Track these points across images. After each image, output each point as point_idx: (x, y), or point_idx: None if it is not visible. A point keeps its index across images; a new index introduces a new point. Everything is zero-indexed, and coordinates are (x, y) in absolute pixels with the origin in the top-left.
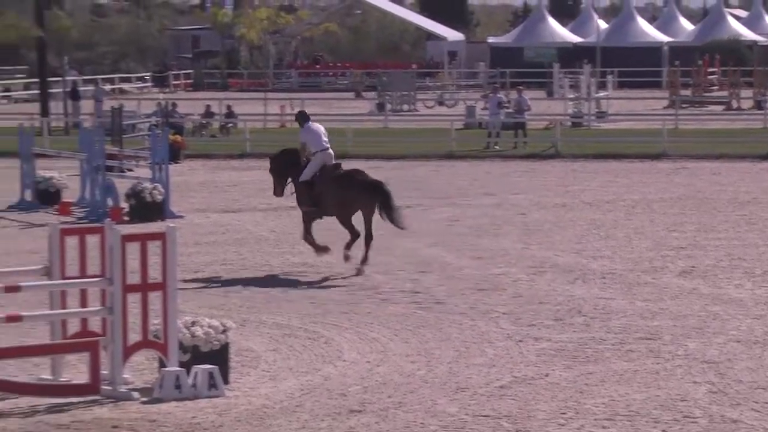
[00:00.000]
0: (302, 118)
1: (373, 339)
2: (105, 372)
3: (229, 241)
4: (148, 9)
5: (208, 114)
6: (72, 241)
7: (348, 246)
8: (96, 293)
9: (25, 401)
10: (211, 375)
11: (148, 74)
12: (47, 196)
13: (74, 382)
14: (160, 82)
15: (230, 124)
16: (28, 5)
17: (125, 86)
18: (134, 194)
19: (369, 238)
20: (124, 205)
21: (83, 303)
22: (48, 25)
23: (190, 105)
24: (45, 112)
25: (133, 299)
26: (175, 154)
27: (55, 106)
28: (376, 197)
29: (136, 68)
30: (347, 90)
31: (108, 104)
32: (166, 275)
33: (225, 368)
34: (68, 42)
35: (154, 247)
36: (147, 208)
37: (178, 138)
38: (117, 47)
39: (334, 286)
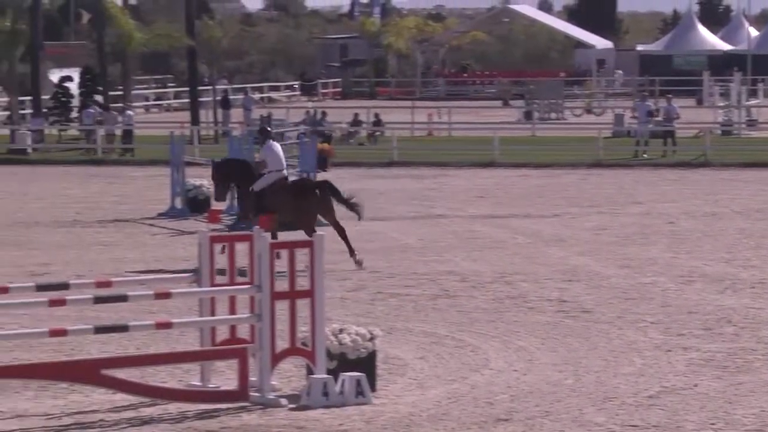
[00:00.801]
0: (264, 135)
1: (519, 348)
2: (253, 379)
3: (376, 249)
4: (297, 18)
5: (356, 122)
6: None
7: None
8: (245, 300)
9: (174, 407)
10: (358, 382)
11: (296, 83)
12: (197, 204)
13: (223, 388)
14: (309, 90)
15: (378, 132)
16: (179, 14)
17: (274, 95)
18: None
19: (341, 231)
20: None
21: (232, 310)
22: (198, 35)
23: (338, 113)
24: (195, 120)
25: (281, 306)
26: (322, 162)
27: (205, 115)
28: (328, 195)
29: (284, 77)
30: (495, 98)
31: (257, 113)
32: (314, 283)
33: (372, 376)
34: (218, 51)
35: (302, 255)
36: None
37: (326, 146)
38: (266, 56)
39: (481, 295)
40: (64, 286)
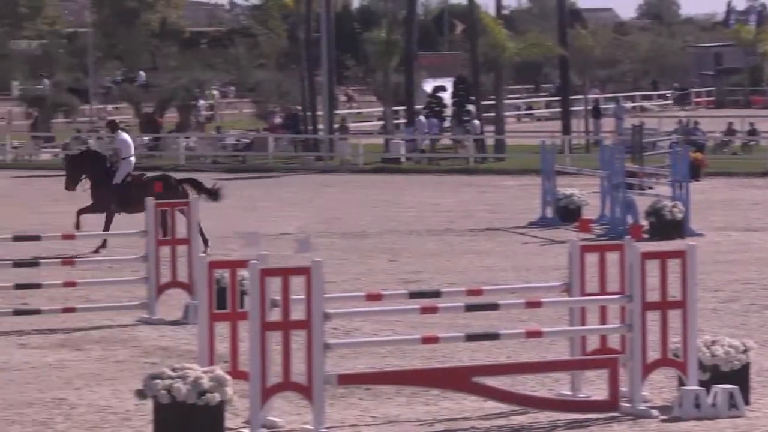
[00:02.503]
0: (114, 126)
1: None
2: (623, 389)
3: (750, 260)
4: (670, 26)
5: (730, 131)
6: (592, 258)
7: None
8: (615, 310)
9: (545, 416)
10: (731, 395)
11: (669, 92)
12: (567, 213)
13: (593, 398)
14: (681, 99)
15: (752, 142)
16: (552, 24)
17: (646, 104)
18: (654, 212)
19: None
20: (644, 223)
21: (603, 320)
22: (571, 44)
23: (712, 123)
24: (566, 129)
25: (652, 317)
26: (695, 172)
27: (577, 124)
28: (189, 190)
29: (657, 86)
30: None
31: (629, 122)
32: (686, 293)
33: (745, 389)
34: (590, 60)
35: (673, 265)
36: (667, 226)
37: (699, 155)
38: (639, 65)
39: None
40: (436, 294)
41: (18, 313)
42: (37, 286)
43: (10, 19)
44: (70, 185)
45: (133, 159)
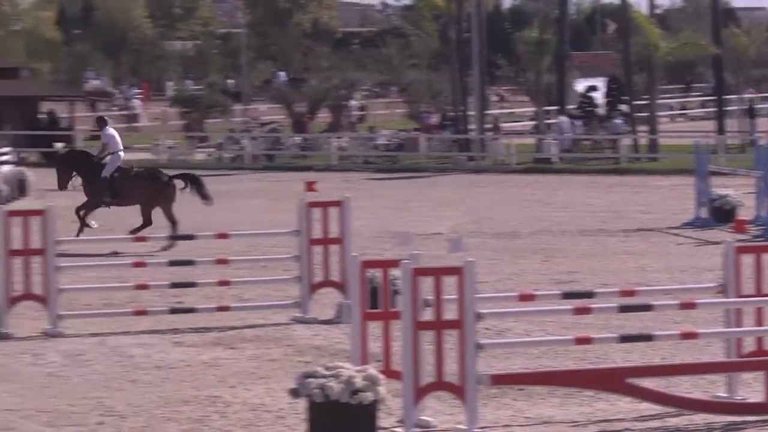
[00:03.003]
0: (102, 122)
1: None
2: None
3: None
4: None
5: None
6: (747, 260)
7: (136, 231)
8: None
9: (700, 418)
10: None
11: None
12: (722, 214)
13: (750, 400)
14: None
15: None
16: (705, 23)
17: None
18: None
19: (174, 223)
20: None
21: (759, 321)
22: (725, 43)
23: None
24: (721, 129)
25: None
26: None
27: (731, 124)
28: (182, 185)
29: None
30: None
31: None
32: None
33: None
34: (745, 60)
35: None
36: None
37: None
38: None
39: None
40: (589, 295)
41: (174, 311)
42: (192, 285)
43: (165, 20)
44: (62, 184)
45: (121, 153)
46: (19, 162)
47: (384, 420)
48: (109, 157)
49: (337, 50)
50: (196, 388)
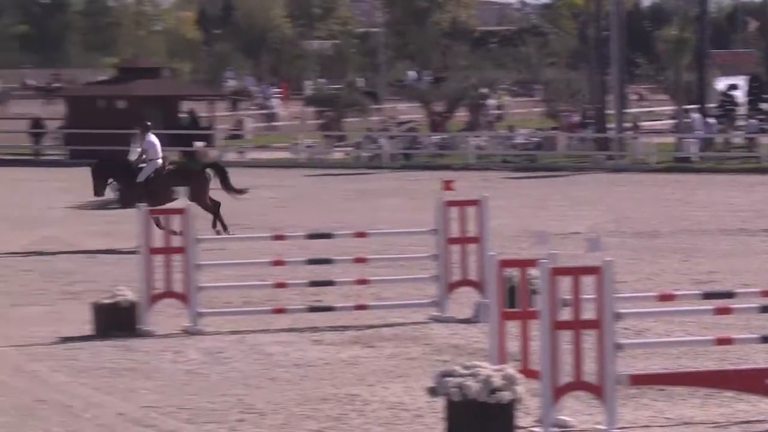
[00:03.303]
0: (146, 128)
1: None
2: None
3: None
4: None
5: None
6: None
7: (214, 224)
8: None
9: None
10: None
11: None
12: None
13: None
14: None
15: None
16: None
17: None
18: None
19: (217, 207)
20: None
21: None
22: None
23: None
24: None
25: None
26: None
27: None
28: (212, 176)
29: None
30: None
31: None
32: None
33: None
34: None
35: None
36: None
37: None
38: None
39: None
40: (730, 295)
41: (312, 309)
42: (331, 283)
43: (304, 19)
44: (98, 191)
45: (159, 161)
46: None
47: (522, 419)
48: (145, 163)
49: (476, 49)
50: (334, 386)
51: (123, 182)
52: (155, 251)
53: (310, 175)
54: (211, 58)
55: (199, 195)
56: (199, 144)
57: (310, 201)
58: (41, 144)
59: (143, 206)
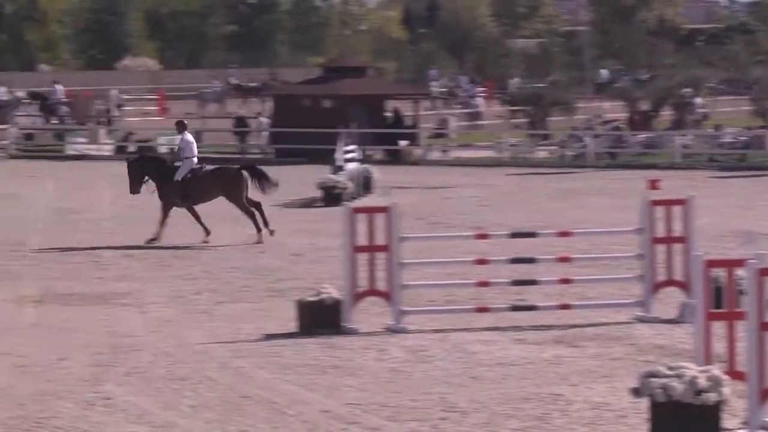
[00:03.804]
0: (182, 126)
1: None
2: None
3: None
4: None
5: None
6: None
7: (258, 228)
8: None
9: None
10: None
11: None
12: None
13: None
14: None
15: None
16: None
17: None
18: None
19: (258, 207)
20: None
21: None
22: None
23: None
24: None
25: None
26: None
27: None
28: (249, 177)
29: None
30: None
31: None
32: None
33: None
34: None
35: None
36: None
37: None
38: None
39: None
40: None
41: (515, 308)
42: (534, 282)
43: (509, 18)
44: (135, 189)
45: (195, 159)
46: (365, 160)
47: (728, 421)
48: (181, 161)
49: (682, 47)
50: (537, 385)
51: (159, 180)
52: (359, 249)
53: (513, 174)
54: (415, 58)
55: (235, 196)
56: (403, 143)
57: (514, 200)
58: (246, 143)
59: (347, 206)
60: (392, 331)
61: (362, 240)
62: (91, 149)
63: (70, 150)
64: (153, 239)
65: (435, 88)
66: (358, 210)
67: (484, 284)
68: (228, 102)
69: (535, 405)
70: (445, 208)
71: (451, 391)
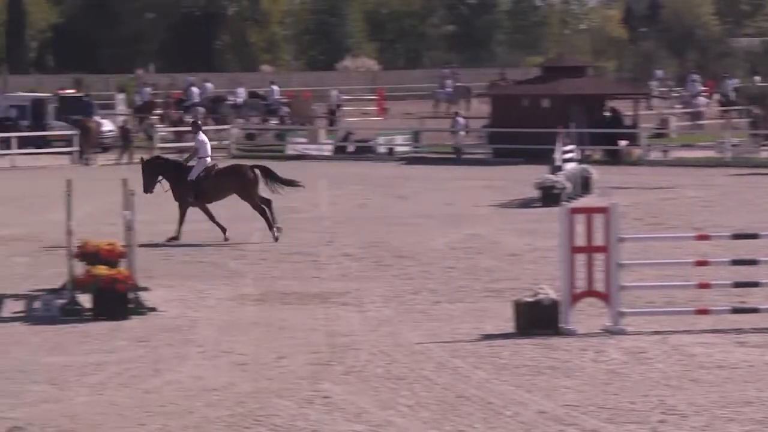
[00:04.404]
0: (196, 127)
1: None
2: None
3: None
4: None
5: None
6: None
7: (270, 227)
8: None
9: None
10: None
11: None
12: None
13: None
14: None
15: None
16: None
17: None
18: None
19: (268, 204)
20: None
21: None
22: None
23: None
24: None
25: None
26: None
27: None
28: (261, 176)
29: None
30: None
31: None
32: None
33: None
34: None
35: None
36: None
37: None
38: None
39: None
40: None
41: (736, 311)
42: (756, 284)
43: (732, 16)
44: (148, 188)
45: (208, 159)
46: (583, 159)
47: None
48: (195, 161)
49: None
50: (758, 389)
51: (173, 180)
52: (577, 250)
53: (736, 175)
54: (636, 57)
55: (247, 193)
56: (622, 143)
57: (736, 201)
58: (463, 142)
59: (565, 206)
60: (610, 332)
61: (580, 240)
62: (311, 149)
63: (291, 150)
64: (173, 238)
65: (656, 87)
66: (576, 210)
67: (704, 286)
68: (461, 102)
69: (756, 409)
70: (665, 208)
71: (670, 394)
